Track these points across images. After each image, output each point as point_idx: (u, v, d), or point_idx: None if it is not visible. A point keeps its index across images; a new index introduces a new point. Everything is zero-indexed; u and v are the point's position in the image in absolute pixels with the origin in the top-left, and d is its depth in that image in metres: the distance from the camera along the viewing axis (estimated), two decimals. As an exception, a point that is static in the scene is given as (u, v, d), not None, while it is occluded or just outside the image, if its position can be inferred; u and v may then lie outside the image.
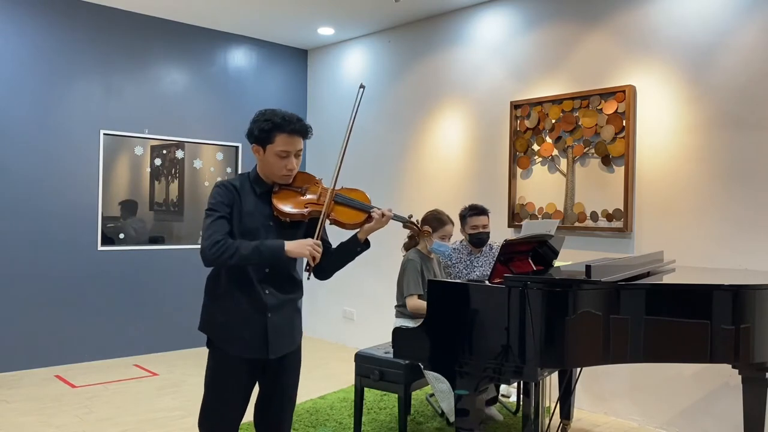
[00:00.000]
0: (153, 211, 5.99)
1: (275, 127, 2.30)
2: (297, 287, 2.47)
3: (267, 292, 2.35)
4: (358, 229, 2.42)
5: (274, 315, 2.36)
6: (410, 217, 2.58)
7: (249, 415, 2.50)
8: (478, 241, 4.08)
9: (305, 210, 2.36)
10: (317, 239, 2.31)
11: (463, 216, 4.15)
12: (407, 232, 4.01)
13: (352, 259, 2.48)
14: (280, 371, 2.43)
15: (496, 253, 4.02)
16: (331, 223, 2.43)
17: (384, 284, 5.96)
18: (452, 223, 3.86)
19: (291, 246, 2.24)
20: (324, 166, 6.30)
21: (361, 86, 2.65)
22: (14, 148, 5.20)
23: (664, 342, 2.53)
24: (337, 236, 2.45)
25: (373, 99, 6.24)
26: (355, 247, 2.44)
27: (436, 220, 3.80)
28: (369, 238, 2.45)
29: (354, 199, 2.43)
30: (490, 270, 4.03)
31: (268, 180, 2.39)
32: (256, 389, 2.49)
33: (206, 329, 2.40)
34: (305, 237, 2.44)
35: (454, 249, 4.18)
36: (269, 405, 2.46)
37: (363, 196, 2.48)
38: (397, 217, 2.46)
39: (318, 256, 2.25)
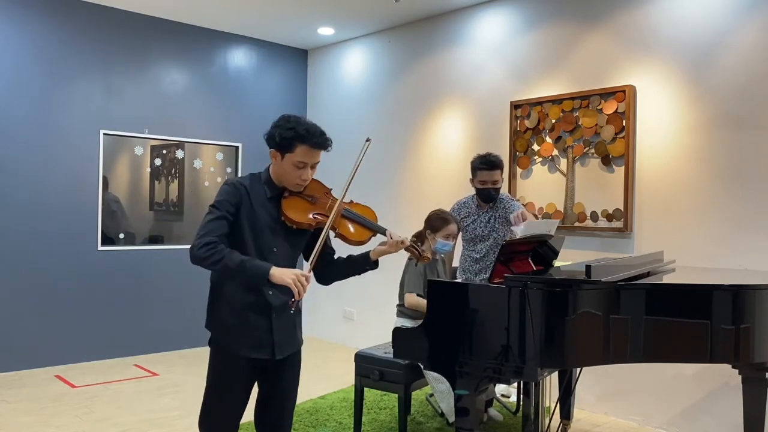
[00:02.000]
0: (153, 211, 5.99)
1: (298, 137, 2.27)
2: None
3: (270, 292, 2.34)
4: (359, 245, 2.41)
5: (278, 315, 2.36)
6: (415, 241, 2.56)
7: (249, 415, 2.50)
8: (485, 197, 3.95)
9: (313, 221, 2.36)
10: (315, 258, 2.29)
11: (474, 167, 3.96)
12: (409, 233, 4.01)
13: (359, 274, 2.50)
14: (281, 372, 2.43)
15: (507, 205, 4.00)
16: (335, 236, 2.42)
17: (384, 284, 5.96)
18: (456, 222, 3.82)
19: (276, 272, 2.19)
20: (323, 166, 6.29)
21: (368, 140, 2.60)
22: (14, 148, 5.20)
23: (664, 342, 2.53)
24: (343, 250, 2.44)
25: (373, 99, 6.24)
26: (365, 265, 2.45)
27: (439, 220, 3.75)
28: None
29: (362, 216, 2.43)
30: (495, 226, 4.02)
31: (280, 184, 2.39)
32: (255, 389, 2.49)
33: (212, 327, 2.40)
34: (308, 245, 2.46)
35: (464, 203, 4.09)
36: (269, 406, 2.45)
37: (371, 215, 2.47)
38: (409, 248, 2.44)
39: (303, 290, 2.18)
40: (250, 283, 2.31)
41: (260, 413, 2.47)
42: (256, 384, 2.48)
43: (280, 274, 2.19)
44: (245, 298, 2.33)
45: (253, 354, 2.33)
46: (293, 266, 2.34)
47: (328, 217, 2.35)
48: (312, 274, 2.27)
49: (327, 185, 2.51)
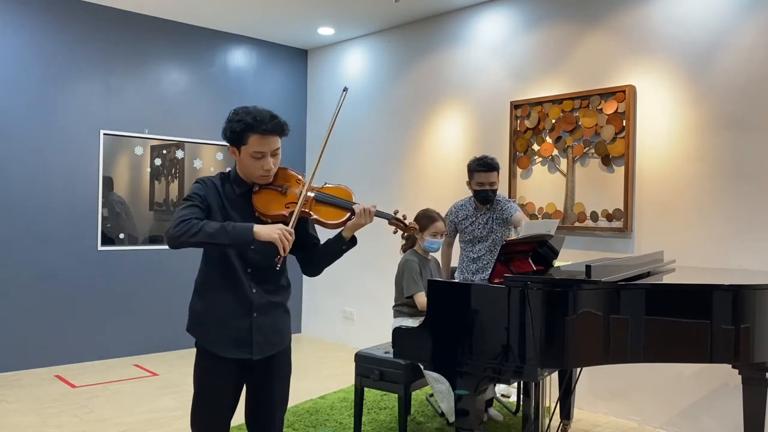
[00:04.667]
0: (153, 211, 5.99)
1: (247, 127, 2.19)
2: (285, 288, 2.42)
3: (254, 291, 2.30)
4: (339, 228, 2.32)
5: (260, 315, 2.31)
6: (396, 213, 2.39)
7: (242, 416, 2.50)
8: (482, 198, 3.95)
9: (286, 211, 2.27)
10: (294, 224, 2.19)
11: (471, 170, 3.96)
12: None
13: (339, 257, 2.40)
14: (268, 373, 2.38)
15: (504, 207, 4.01)
16: (313, 222, 2.36)
17: (384, 284, 5.96)
18: (443, 220, 3.85)
19: (260, 229, 2.11)
20: (325, 165, 6.30)
21: (345, 89, 2.46)
22: (14, 148, 5.20)
23: (664, 342, 2.53)
24: (324, 234, 2.41)
25: (373, 99, 6.24)
26: (340, 245, 2.35)
27: (426, 218, 3.79)
28: (356, 234, 2.35)
29: (335, 197, 2.33)
30: (493, 227, 4.02)
31: (248, 180, 2.32)
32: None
33: (191, 329, 2.36)
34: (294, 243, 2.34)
35: (461, 205, 4.10)
36: (258, 407, 2.41)
37: (346, 194, 2.36)
38: (380, 214, 2.33)
39: (288, 243, 2.11)
40: (230, 282, 2.26)
41: (249, 414, 2.44)
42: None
43: (265, 230, 2.11)
44: (226, 296, 2.28)
45: (230, 354, 2.28)
46: (271, 258, 2.23)
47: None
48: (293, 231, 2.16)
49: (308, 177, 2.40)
